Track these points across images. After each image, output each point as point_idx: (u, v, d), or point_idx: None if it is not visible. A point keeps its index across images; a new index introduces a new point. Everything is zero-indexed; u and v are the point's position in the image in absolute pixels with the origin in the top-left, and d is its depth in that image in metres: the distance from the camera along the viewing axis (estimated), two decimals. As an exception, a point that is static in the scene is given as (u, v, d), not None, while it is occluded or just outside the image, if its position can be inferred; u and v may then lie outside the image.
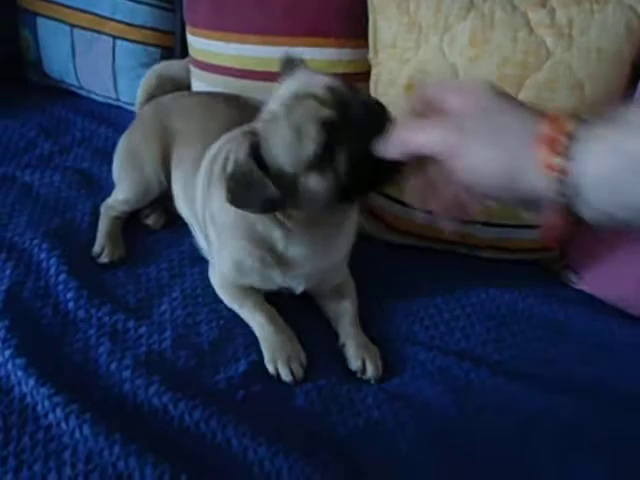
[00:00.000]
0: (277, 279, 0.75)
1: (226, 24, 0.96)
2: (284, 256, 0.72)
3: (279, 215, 0.68)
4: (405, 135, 0.46)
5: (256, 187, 0.60)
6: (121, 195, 0.91)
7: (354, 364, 0.71)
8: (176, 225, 0.93)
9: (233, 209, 0.67)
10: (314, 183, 0.60)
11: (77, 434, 0.62)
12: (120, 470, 0.59)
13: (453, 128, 0.42)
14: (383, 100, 0.60)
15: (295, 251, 0.71)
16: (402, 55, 0.80)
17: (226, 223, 0.74)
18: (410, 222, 0.87)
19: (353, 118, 0.57)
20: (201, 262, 0.87)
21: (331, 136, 0.57)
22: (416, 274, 0.86)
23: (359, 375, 0.71)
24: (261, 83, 0.96)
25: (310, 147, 0.58)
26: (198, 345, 0.73)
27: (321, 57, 0.92)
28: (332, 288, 0.79)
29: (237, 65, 0.97)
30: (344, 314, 0.77)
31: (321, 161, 0.59)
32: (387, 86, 0.84)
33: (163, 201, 0.94)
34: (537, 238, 0.83)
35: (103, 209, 0.91)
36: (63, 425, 0.63)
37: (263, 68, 0.95)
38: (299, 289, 0.77)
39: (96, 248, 0.86)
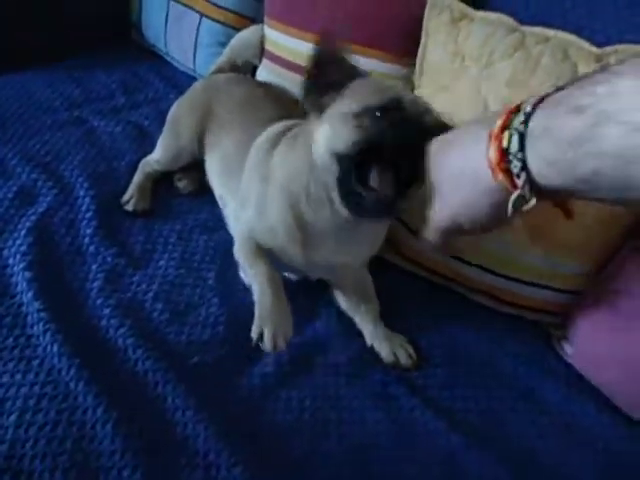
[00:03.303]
0: (296, 258, 0.74)
1: (293, 19, 1.01)
2: (309, 236, 0.72)
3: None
4: None
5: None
6: (157, 155, 1.00)
7: (387, 359, 0.75)
8: (202, 194, 1.00)
9: (292, 169, 0.70)
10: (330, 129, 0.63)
11: (48, 349, 0.71)
12: (69, 390, 0.67)
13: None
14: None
15: (318, 233, 0.71)
16: (441, 82, 0.79)
17: (280, 182, 0.72)
18: (412, 249, 0.86)
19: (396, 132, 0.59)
20: (210, 232, 0.93)
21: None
22: (406, 302, 0.86)
23: (397, 367, 0.74)
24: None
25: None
26: (176, 304, 0.79)
27: (374, 68, 0.93)
28: (353, 289, 0.81)
29: (295, 60, 1.02)
30: (367, 316, 0.79)
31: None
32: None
33: (196, 170, 1.01)
34: (536, 295, 0.79)
35: (141, 164, 1.00)
36: (41, 338, 0.72)
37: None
38: (314, 276, 0.80)
39: (125, 196, 0.95)
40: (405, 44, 0.89)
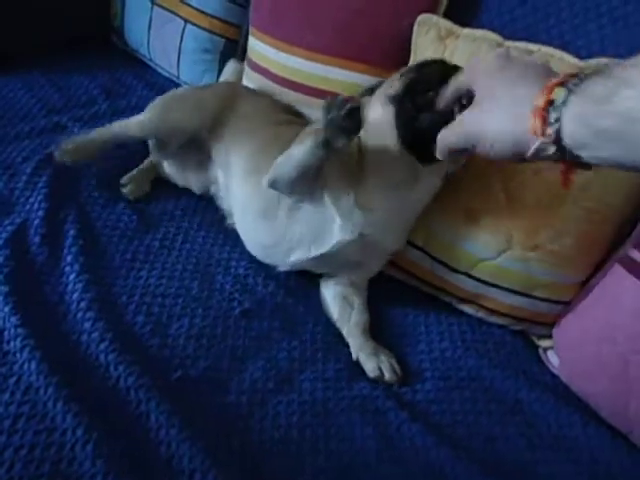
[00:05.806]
0: (334, 221, 0.75)
1: (280, 33, 0.99)
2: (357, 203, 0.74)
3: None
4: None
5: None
6: (144, 117, 0.96)
7: (371, 373, 0.74)
8: (186, 202, 0.98)
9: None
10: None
11: (25, 366, 0.68)
12: (47, 410, 0.64)
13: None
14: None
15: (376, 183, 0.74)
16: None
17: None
18: (403, 258, 0.85)
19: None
20: (192, 240, 0.91)
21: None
22: (395, 312, 0.85)
23: (381, 382, 0.74)
24: (301, 95, 0.99)
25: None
26: (157, 316, 0.77)
27: (360, 83, 0.92)
28: (346, 296, 0.81)
29: (282, 74, 1.00)
30: (355, 328, 0.79)
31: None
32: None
33: (145, 175, 1.00)
34: (523, 305, 0.79)
35: (113, 125, 0.98)
36: (18, 355, 0.69)
37: (305, 82, 0.97)
38: (322, 265, 0.81)
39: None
40: (393, 59, 0.89)
